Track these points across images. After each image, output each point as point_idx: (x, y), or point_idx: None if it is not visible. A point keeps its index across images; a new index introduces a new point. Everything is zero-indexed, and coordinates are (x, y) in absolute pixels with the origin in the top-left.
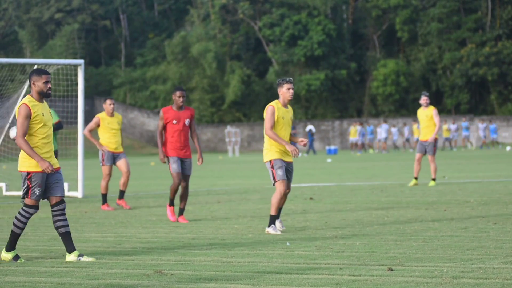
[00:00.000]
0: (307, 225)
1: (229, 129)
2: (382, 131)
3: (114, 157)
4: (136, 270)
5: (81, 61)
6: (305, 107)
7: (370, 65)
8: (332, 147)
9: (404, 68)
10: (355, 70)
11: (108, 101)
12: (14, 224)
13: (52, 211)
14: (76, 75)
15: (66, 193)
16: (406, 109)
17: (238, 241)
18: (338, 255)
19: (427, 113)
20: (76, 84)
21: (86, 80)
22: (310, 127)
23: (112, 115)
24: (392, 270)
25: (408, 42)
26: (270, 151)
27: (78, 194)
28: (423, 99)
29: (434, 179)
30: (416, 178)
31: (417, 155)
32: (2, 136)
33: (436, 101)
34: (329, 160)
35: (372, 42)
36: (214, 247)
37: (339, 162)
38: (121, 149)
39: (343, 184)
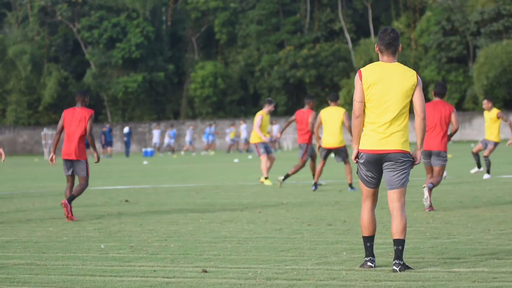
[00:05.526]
0: (122, 228)
1: (45, 131)
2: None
3: None
4: None
5: None
6: (122, 109)
7: (188, 67)
8: (149, 149)
9: (222, 70)
10: (173, 72)
11: None
12: None
13: None
14: None
15: None
16: (223, 111)
17: (52, 244)
18: (152, 257)
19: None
20: None
21: None
22: (126, 129)
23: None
24: (206, 272)
25: (227, 44)
26: None
27: None
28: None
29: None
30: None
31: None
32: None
33: (253, 102)
34: (145, 162)
35: (191, 44)
36: (28, 250)
37: (155, 164)
38: None
39: (159, 186)
